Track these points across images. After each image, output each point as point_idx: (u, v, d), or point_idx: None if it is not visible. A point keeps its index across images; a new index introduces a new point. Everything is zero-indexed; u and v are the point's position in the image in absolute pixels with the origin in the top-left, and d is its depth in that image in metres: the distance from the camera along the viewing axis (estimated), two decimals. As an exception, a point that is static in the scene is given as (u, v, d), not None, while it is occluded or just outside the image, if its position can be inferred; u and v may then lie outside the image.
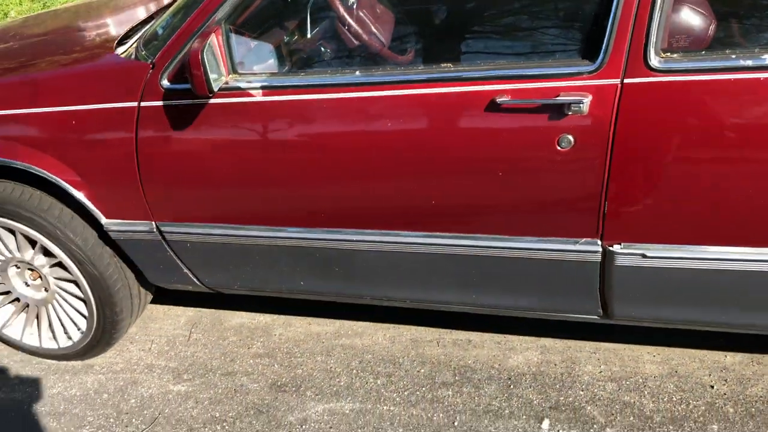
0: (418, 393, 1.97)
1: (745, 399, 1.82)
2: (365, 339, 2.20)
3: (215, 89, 1.53)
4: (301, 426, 1.92)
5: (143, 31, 2.01)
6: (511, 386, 1.95)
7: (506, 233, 1.56)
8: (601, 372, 1.96)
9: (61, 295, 2.12)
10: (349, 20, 1.71)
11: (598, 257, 1.53)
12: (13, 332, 2.27)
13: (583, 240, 1.52)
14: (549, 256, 1.56)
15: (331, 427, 1.90)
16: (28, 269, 2.13)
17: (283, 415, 1.96)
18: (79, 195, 1.83)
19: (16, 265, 2.13)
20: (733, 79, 1.30)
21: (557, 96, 1.38)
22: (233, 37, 1.61)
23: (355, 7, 1.77)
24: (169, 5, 2.19)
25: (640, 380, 1.92)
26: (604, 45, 1.35)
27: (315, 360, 2.14)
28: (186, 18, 1.64)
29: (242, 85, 1.60)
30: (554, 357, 2.03)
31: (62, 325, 2.19)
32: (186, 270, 1.96)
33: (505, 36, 1.57)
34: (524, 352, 2.07)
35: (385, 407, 1.94)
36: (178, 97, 1.66)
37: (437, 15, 1.72)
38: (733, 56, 1.30)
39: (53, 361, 2.28)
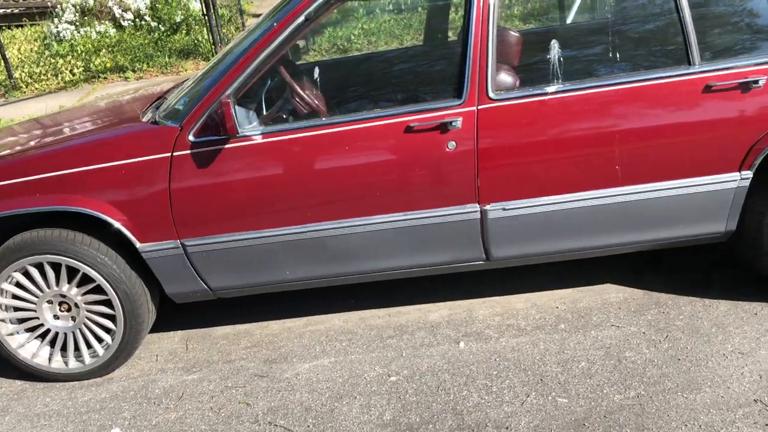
0: (373, 345, 2.80)
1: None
2: (326, 324, 3.00)
3: (240, 134, 2.41)
4: (296, 378, 2.66)
5: (158, 108, 2.84)
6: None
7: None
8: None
9: (90, 318, 2.73)
10: (302, 94, 2.69)
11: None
12: (40, 361, 2.81)
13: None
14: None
15: (317, 374, 2.66)
16: (59, 302, 2.74)
17: (280, 374, 2.69)
18: (121, 227, 2.55)
19: (49, 301, 2.73)
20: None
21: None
22: (236, 105, 2.51)
23: (303, 86, 2.75)
24: (165, 93, 3.07)
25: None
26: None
27: (293, 342, 2.90)
28: (203, 96, 2.52)
29: (247, 133, 2.49)
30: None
31: (88, 345, 2.78)
32: (199, 279, 2.69)
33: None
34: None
35: (353, 357, 2.74)
36: (201, 147, 2.50)
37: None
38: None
39: (74, 382, 2.83)
